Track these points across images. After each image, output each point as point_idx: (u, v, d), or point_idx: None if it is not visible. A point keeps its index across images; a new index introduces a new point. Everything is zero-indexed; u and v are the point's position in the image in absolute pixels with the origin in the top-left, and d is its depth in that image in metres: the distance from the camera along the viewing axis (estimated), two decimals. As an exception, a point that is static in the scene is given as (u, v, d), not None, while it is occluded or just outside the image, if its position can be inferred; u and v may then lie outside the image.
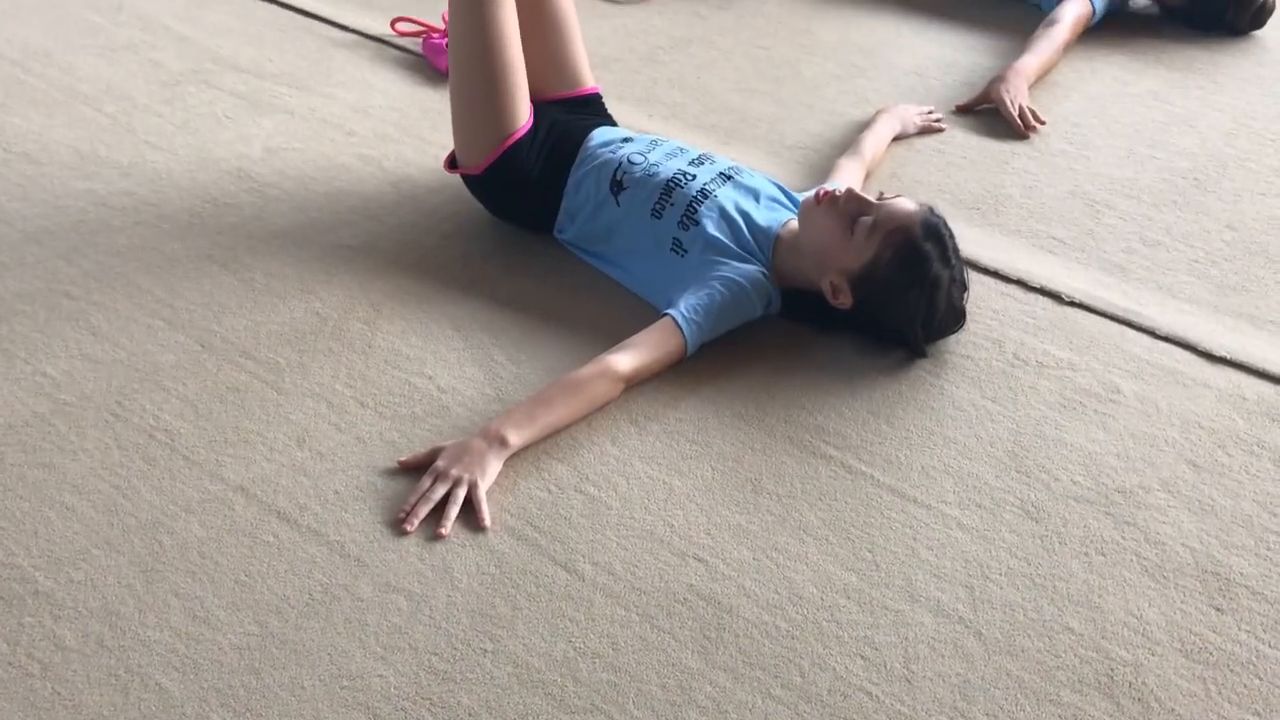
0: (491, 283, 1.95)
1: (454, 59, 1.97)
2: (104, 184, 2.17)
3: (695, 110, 2.49)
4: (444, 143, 2.15)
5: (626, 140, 2.00)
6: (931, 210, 1.77)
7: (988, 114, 2.46)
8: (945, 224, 1.77)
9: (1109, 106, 2.51)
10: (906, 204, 1.76)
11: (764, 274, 1.82)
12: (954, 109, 2.48)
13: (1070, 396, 1.74)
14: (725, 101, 2.53)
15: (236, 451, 1.61)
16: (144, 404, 1.68)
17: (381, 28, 2.73)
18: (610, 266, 1.96)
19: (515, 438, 1.58)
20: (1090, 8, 2.72)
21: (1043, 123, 2.42)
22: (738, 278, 1.79)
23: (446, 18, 2.25)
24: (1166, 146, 2.37)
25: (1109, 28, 2.78)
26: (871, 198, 1.79)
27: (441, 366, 1.76)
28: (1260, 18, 2.76)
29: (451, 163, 2.04)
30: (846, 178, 2.13)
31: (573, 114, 2.08)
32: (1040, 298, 1.95)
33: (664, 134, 2.37)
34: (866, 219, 1.74)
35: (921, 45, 2.74)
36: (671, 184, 1.89)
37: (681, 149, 1.99)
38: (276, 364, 1.76)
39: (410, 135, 2.35)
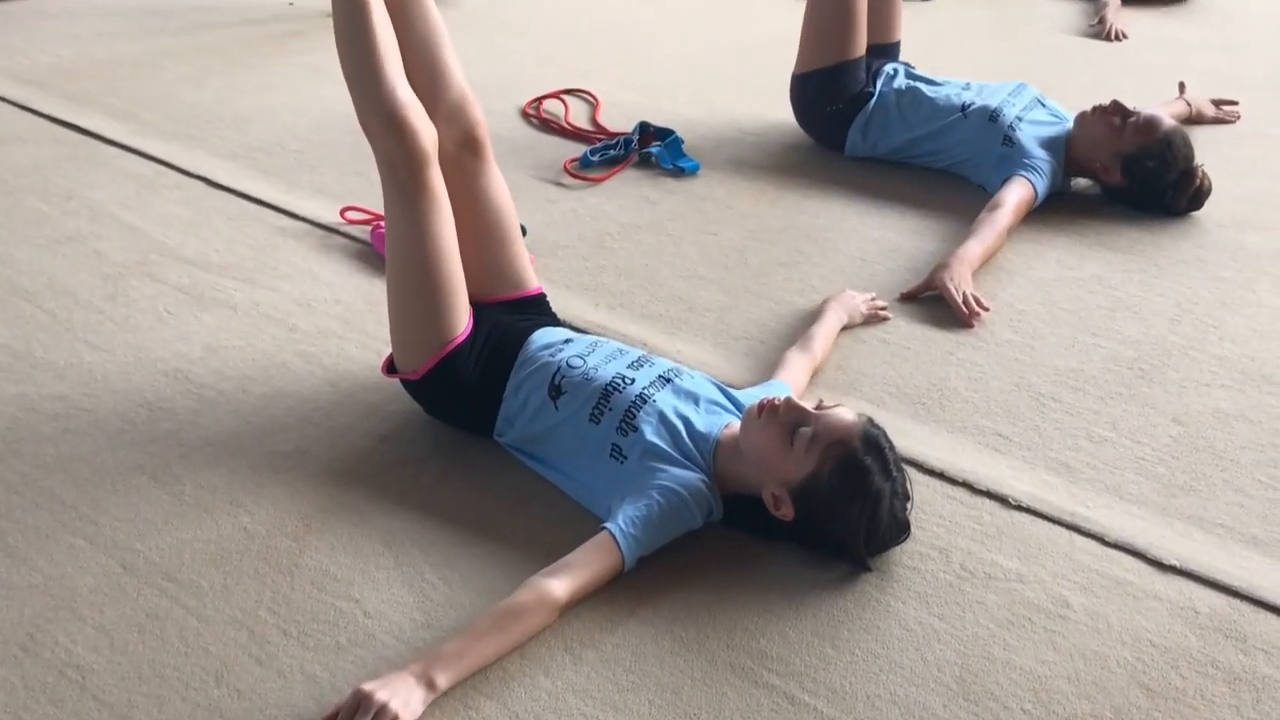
0: (426, 490, 1.90)
1: (391, 264, 1.96)
2: (36, 387, 2.13)
3: (643, 299, 2.49)
4: (386, 337, 2.12)
5: (567, 341, 1.99)
6: (870, 421, 1.75)
7: (933, 301, 2.47)
8: (885, 435, 1.75)
9: (1053, 292, 2.53)
10: (845, 415, 1.74)
11: (704, 481, 1.79)
12: (899, 296, 2.49)
13: (1019, 612, 1.69)
14: (673, 290, 2.53)
15: (150, 689, 1.53)
16: (57, 635, 1.61)
17: (331, 216, 2.74)
18: (550, 471, 1.92)
19: (444, 679, 1.50)
20: (1033, 190, 2.77)
21: (987, 309, 2.43)
22: (676, 487, 1.76)
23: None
24: (1111, 334, 2.38)
25: (1052, 208, 2.82)
26: (810, 406, 1.77)
27: (370, 588, 1.70)
28: (1198, 200, 2.81)
29: (389, 367, 2.02)
30: (793, 374, 2.12)
31: (514, 315, 2.06)
32: (987, 501, 1.91)
33: (610, 324, 2.37)
34: (806, 430, 1.72)
35: (866, 229, 2.77)
36: (610, 388, 1.87)
37: (622, 350, 1.97)
38: (199, 587, 1.70)
39: (353, 330, 2.33)
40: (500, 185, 2.07)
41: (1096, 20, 4.14)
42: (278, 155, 3.08)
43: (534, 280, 2.13)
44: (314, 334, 2.31)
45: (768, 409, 1.77)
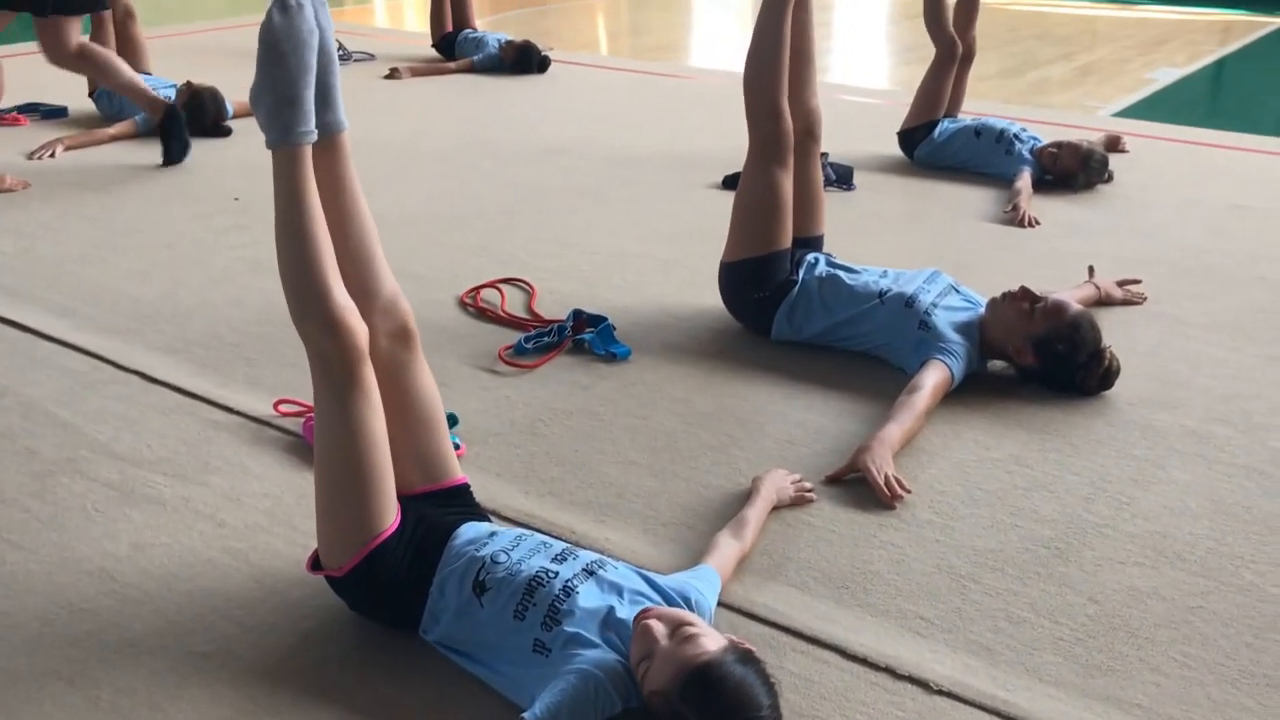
0: (349, 690, 1.89)
1: (319, 460, 1.99)
2: (-45, 590, 2.11)
3: (572, 485, 2.53)
4: (314, 531, 2.13)
5: (492, 535, 2.01)
6: (720, 661, 1.68)
7: (856, 482, 2.53)
8: (736, 676, 1.67)
9: (972, 472, 2.60)
10: (689, 650, 1.69)
11: (623, 664, 1.79)
12: (824, 479, 2.55)
13: (941, 802, 1.70)
14: (603, 475, 2.57)
15: None
16: None
17: (265, 408, 2.78)
18: (477, 666, 1.92)
19: None
20: (949, 373, 2.87)
21: (908, 490, 2.49)
22: (592, 669, 1.76)
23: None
24: (1028, 514, 2.44)
25: (969, 389, 2.92)
26: (667, 631, 1.73)
27: (287, 795, 1.68)
28: (1108, 380, 2.92)
29: (314, 562, 2.03)
30: (722, 559, 2.16)
31: (440, 508, 2.09)
32: (909, 686, 1.93)
33: (540, 513, 2.40)
34: (645, 663, 1.73)
35: (791, 412, 2.85)
36: (533, 583, 1.89)
37: (546, 543, 2.00)
38: (109, 799, 1.66)
39: (280, 524, 2.34)
40: (428, 375, 2.12)
41: (1010, 207, 4.35)
42: (215, 348, 3.12)
43: (458, 470, 2.16)
44: (242, 529, 2.32)
45: (646, 617, 1.77)
